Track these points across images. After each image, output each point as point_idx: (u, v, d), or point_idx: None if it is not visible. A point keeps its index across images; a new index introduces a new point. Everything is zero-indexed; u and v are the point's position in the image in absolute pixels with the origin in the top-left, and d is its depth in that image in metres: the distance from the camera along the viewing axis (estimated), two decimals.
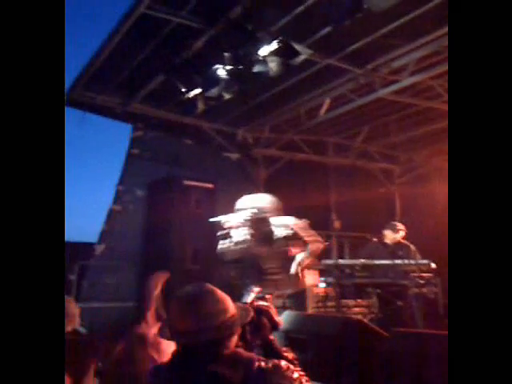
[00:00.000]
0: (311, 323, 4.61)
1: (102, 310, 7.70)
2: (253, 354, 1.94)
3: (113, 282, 8.20)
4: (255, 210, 4.78)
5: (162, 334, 2.95)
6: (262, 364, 1.85)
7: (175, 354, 1.95)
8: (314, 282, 5.12)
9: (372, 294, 6.90)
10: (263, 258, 4.94)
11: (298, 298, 5.05)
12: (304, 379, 1.93)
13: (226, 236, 4.85)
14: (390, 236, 7.14)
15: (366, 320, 4.78)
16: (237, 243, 4.82)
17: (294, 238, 4.84)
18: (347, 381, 3.84)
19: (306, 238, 4.86)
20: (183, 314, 1.94)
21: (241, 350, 1.95)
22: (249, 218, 4.75)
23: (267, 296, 4.66)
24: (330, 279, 8.03)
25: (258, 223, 4.75)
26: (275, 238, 4.78)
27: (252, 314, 2.13)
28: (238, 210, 4.85)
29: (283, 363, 1.90)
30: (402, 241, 7.08)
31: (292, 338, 4.11)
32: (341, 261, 8.12)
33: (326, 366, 3.99)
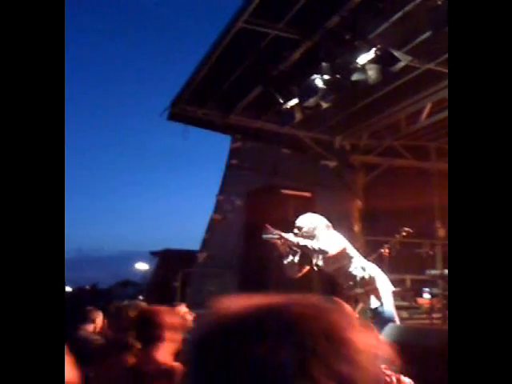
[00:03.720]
0: (416, 335, 4.46)
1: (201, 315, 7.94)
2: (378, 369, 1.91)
3: (215, 289, 8.41)
4: (305, 229, 4.79)
5: None
6: (387, 379, 1.86)
7: None
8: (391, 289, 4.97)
9: None
10: (332, 274, 4.92)
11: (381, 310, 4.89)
12: None
13: (289, 253, 4.83)
14: None
15: None
16: (301, 260, 4.81)
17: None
18: None
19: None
20: None
21: None
22: (298, 235, 4.75)
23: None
24: (436, 290, 7.72)
25: (309, 241, 4.71)
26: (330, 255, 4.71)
27: (375, 332, 2.09)
28: (295, 227, 4.85)
29: (407, 380, 1.92)
30: None
31: (396, 351, 4.00)
32: (447, 271, 7.76)
33: (431, 379, 3.84)
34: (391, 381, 1.89)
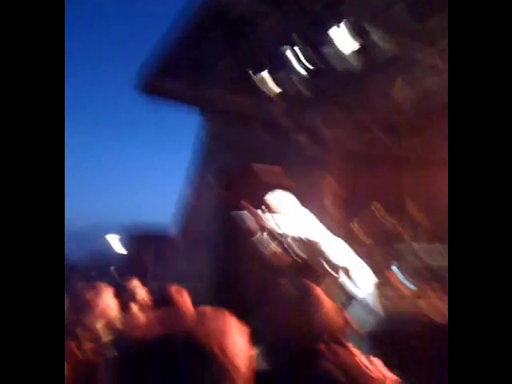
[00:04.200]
0: (396, 323, 4.46)
1: None
2: (356, 358, 1.92)
3: (186, 264, 8.37)
4: (274, 206, 4.73)
5: None
6: (372, 375, 1.84)
7: (279, 360, 1.90)
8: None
9: None
10: (306, 257, 4.80)
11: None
12: None
13: (261, 232, 4.75)
14: None
15: None
16: (272, 240, 4.75)
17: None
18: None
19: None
20: (291, 317, 1.91)
21: (344, 354, 1.91)
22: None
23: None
24: (413, 279, 7.75)
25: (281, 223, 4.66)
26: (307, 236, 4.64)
27: (354, 327, 2.25)
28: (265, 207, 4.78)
29: (392, 376, 1.90)
30: None
31: (376, 338, 3.99)
32: (415, 245, 7.83)
33: (411, 365, 3.84)
34: (377, 377, 1.85)
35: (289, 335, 1.90)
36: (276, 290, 2.08)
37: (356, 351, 2.11)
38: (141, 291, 3.95)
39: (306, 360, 1.82)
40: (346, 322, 2.35)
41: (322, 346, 1.87)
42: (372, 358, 1.99)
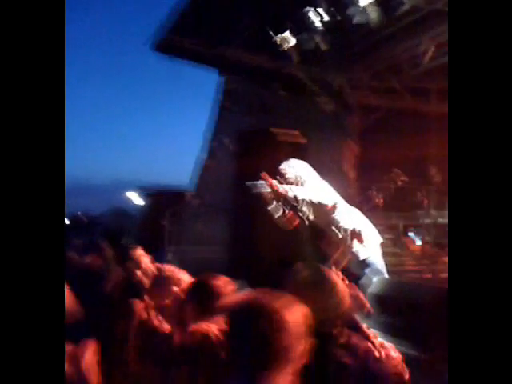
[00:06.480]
0: (404, 290, 4.44)
1: (190, 252, 8.02)
2: (368, 343, 1.93)
3: (200, 228, 8.36)
4: (290, 176, 4.64)
5: None
6: (376, 354, 1.87)
7: None
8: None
9: None
10: (320, 225, 4.81)
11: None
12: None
13: (276, 202, 4.68)
14: None
15: None
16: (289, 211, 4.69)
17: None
18: (438, 354, 3.65)
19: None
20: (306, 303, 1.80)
21: (356, 339, 1.92)
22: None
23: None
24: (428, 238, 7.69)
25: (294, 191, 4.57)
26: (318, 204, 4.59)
27: (366, 304, 2.26)
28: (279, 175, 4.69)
29: (395, 355, 1.92)
30: None
31: (384, 304, 3.98)
32: (440, 219, 7.64)
33: (416, 334, 3.80)
34: (380, 356, 1.88)
35: None
36: (291, 276, 2.04)
37: (370, 333, 2.07)
38: (145, 259, 3.92)
39: (319, 346, 1.73)
40: (361, 303, 2.37)
41: (336, 331, 1.89)
42: (384, 342, 2.00)
